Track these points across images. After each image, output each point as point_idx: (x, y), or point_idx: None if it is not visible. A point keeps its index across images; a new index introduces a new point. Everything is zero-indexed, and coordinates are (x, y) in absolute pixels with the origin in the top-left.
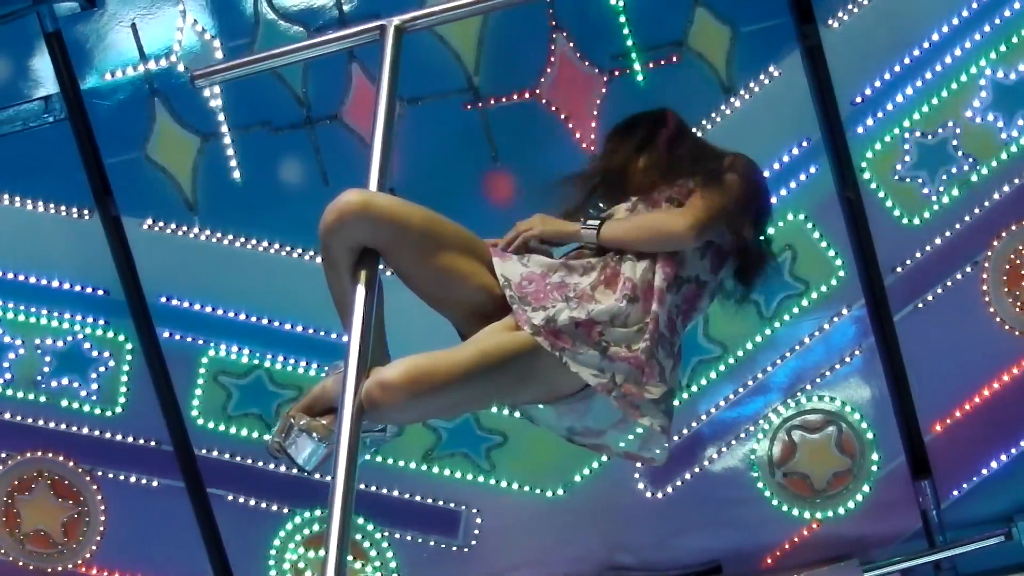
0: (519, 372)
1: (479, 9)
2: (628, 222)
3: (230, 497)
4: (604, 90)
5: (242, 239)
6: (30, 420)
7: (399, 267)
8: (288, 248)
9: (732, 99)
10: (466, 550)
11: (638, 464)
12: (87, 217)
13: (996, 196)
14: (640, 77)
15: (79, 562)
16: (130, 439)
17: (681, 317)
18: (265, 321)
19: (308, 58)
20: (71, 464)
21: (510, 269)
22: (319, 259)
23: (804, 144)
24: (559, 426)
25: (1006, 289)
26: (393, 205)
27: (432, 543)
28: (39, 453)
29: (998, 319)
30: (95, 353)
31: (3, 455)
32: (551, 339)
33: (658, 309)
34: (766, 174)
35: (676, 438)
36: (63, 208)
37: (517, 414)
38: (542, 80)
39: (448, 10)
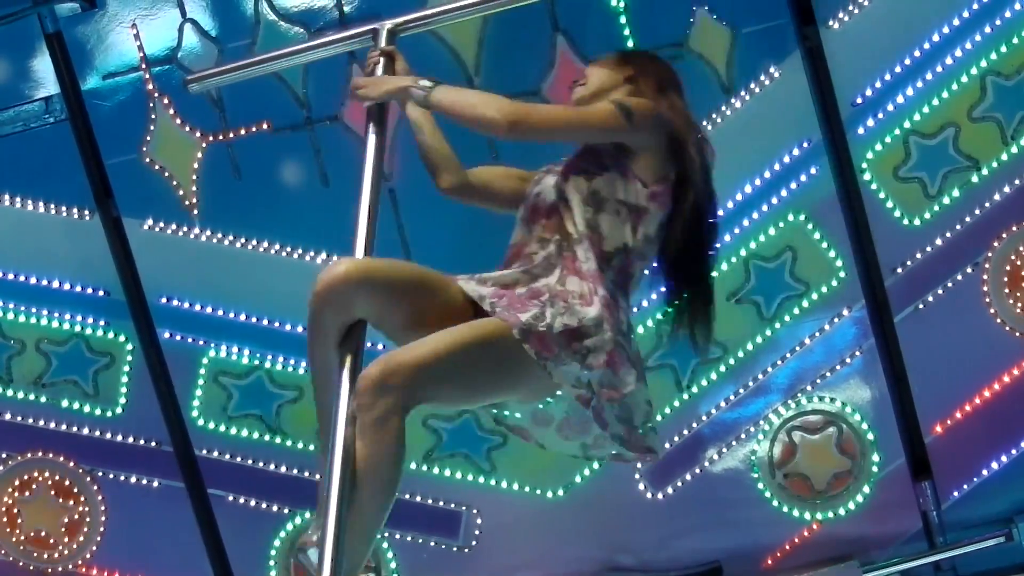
0: (499, 355)
1: (471, 12)
2: (460, 92)
3: (230, 498)
4: None
5: (242, 240)
6: (31, 420)
7: (388, 328)
8: (288, 249)
9: (732, 100)
10: (466, 551)
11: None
12: (88, 218)
13: (997, 197)
14: None
15: (79, 563)
16: (130, 440)
17: (621, 291)
18: (265, 322)
19: (301, 62)
20: (71, 464)
21: (480, 290)
22: (310, 325)
23: (805, 145)
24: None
25: (1007, 290)
26: (384, 270)
27: (432, 544)
28: (39, 454)
29: (999, 320)
30: (96, 353)
31: (3, 456)
32: (537, 346)
33: (604, 292)
34: (767, 175)
35: (676, 439)
36: (63, 209)
37: (518, 414)
38: (543, 81)
39: (440, 13)
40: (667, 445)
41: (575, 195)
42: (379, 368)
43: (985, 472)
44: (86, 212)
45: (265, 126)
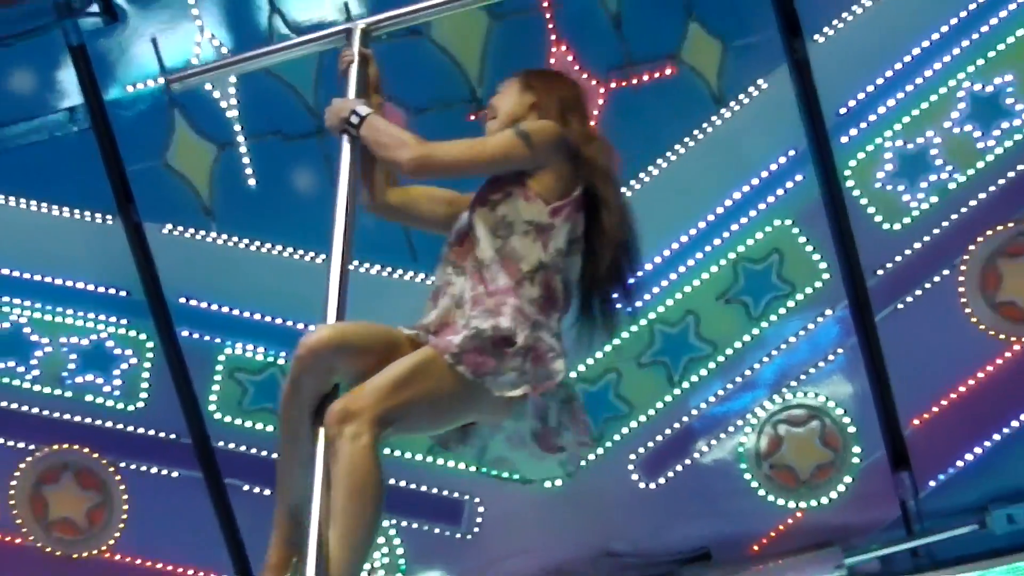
0: (443, 376)
1: (443, 9)
2: (379, 131)
3: (246, 487)
4: (602, 100)
5: (257, 243)
6: (56, 415)
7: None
8: (300, 252)
9: (723, 110)
10: (469, 537)
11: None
12: (110, 222)
13: (973, 203)
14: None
15: (103, 548)
16: (151, 432)
17: (549, 306)
18: (279, 321)
19: (277, 61)
20: (95, 456)
21: (417, 328)
22: (288, 386)
23: (791, 153)
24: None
25: (982, 291)
26: (359, 334)
27: (436, 531)
28: (64, 446)
29: (974, 320)
30: (118, 351)
31: (31, 448)
32: (472, 366)
33: (515, 302)
34: (755, 182)
35: (668, 432)
36: (87, 214)
37: None
38: None
39: (411, 12)
40: (659, 438)
41: (483, 226)
42: (342, 402)
43: (960, 463)
44: (108, 217)
45: (278, 135)
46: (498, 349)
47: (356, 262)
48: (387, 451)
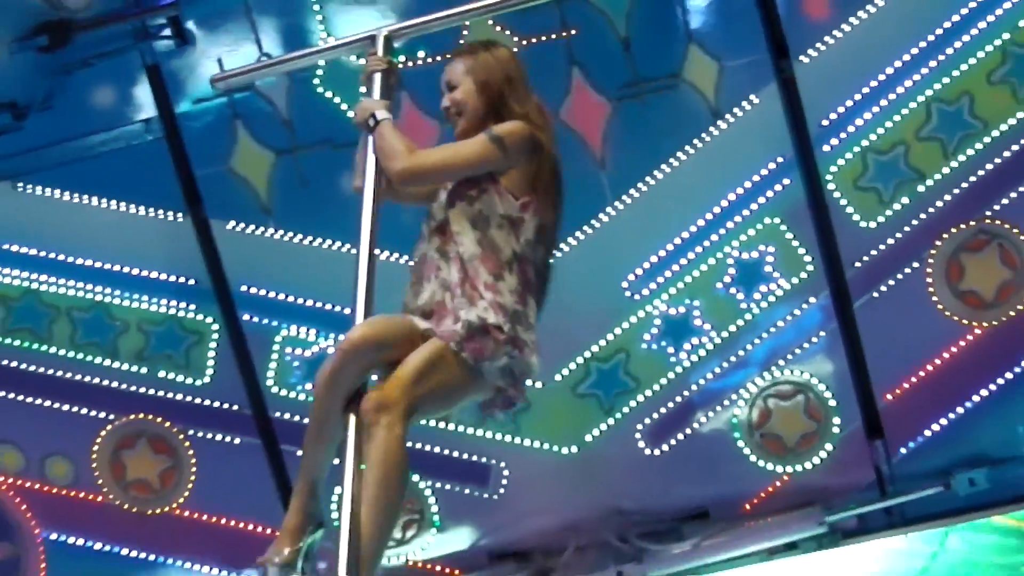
0: (455, 364)
1: (464, 18)
2: (385, 139)
3: (299, 452)
4: (612, 114)
5: (309, 238)
6: (133, 388)
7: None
8: (348, 246)
9: (719, 122)
10: (495, 498)
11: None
12: (180, 220)
13: (939, 204)
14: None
15: (173, 506)
16: (216, 404)
17: (528, 293)
18: (328, 307)
19: (308, 64)
20: (167, 425)
21: (424, 323)
22: (330, 375)
23: (779, 160)
24: None
25: (947, 282)
26: (390, 330)
27: (467, 491)
28: (140, 416)
29: (940, 307)
30: (187, 333)
31: (111, 417)
32: (474, 352)
33: (491, 298)
34: (747, 185)
35: (671, 405)
36: (160, 212)
37: (539, 384)
38: (561, 107)
39: (433, 21)
40: (663, 410)
41: (463, 220)
42: (377, 393)
43: (928, 433)
44: (179, 215)
45: (328, 143)
46: (490, 336)
47: (387, 253)
48: (422, 421)
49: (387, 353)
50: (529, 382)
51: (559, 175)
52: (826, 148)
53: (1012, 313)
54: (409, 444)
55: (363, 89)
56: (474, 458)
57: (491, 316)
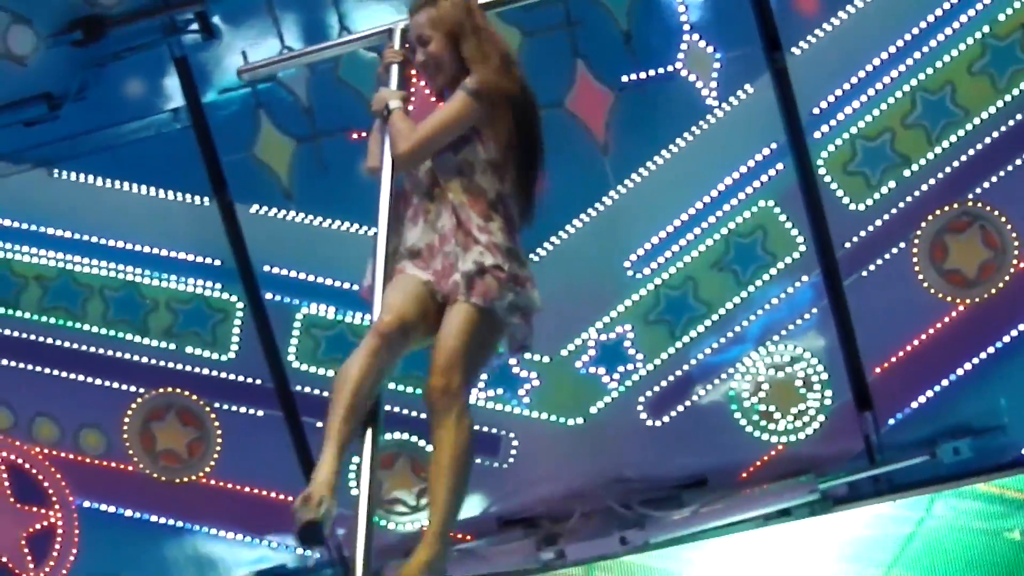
0: (483, 319)
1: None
2: (395, 124)
3: (320, 424)
4: (614, 104)
5: (329, 221)
6: (162, 363)
7: (421, 338)
8: (365, 228)
9: (716, 111)
10: (504, 467)
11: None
12: (207, 203)
13: (924, 187)
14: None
15: (200, 475)
16: (240, 378)
17: (515, 229)
18: (347, 286)
19: (328, 56)
20: (194, 398)
21: (424, 275)
22: (368, 355)
23: (773, 146)
24: None
25: (932, 261)
26: (411, 305)
27: (477, 461)
28: (169, 389)
29: (926, 285)
30: (213, 310)
31: (141, 391)
32: (482, 295)
33: (487, 240)
34: (743, 170)
35: (671, 378)
36: (187, 197)
37: (547, 358)
38: (565, 97)
39: None
40: (664, 383)
41: (449, 170)
42: (439, 381)
43: (915, 405)
44: (205, 199)
45: (346, 131)
46: (491, 275)
47: None
48: None
49: (417, 329)
50: (543, 357)
51: (533, 107)
52: (817, 135)
53: (994, 291)
54: (422, 415)
55: (380, 79)
56: (484, 429)
57: (488, 258)
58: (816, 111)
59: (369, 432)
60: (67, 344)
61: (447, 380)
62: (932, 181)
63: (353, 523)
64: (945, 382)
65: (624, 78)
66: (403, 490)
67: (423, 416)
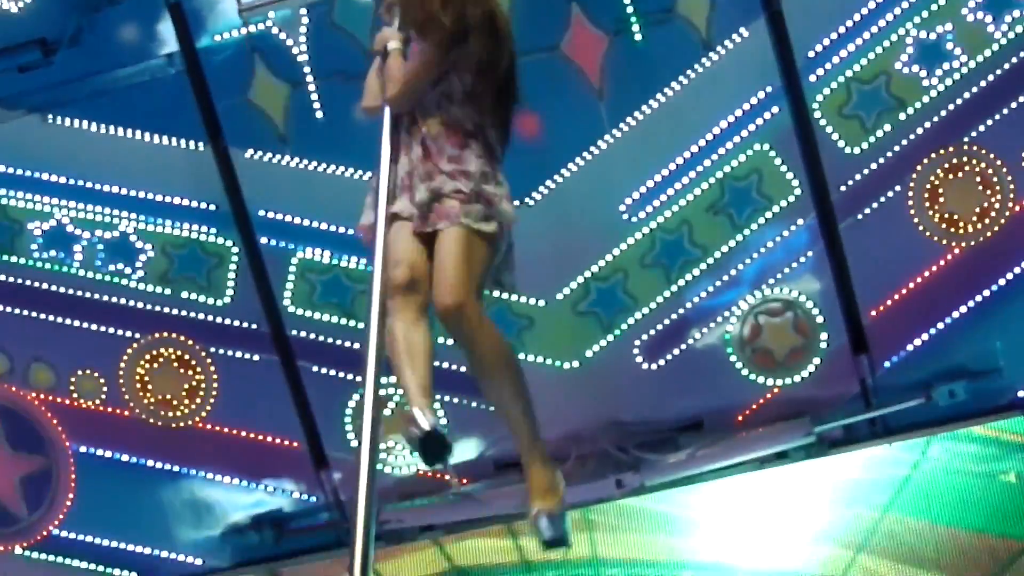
0: (473, 237)
1: None
2: (391, 67)
3: (315, 368)
4: (609, 47)
5: (324, 165)
6: (158, 308)
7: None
8: (360, 172)
9: (711, 54)
10: None
11: None
12: (202, 148)
13: (919, 131)
14: (638, 37)
15: (196, 420)
16: (236, 323)
17: (493, 155)
18: (342, 230)
19: None
20: (190, 343)
21: (411, 209)
22: (398, 305)
23: (768, 89)
24: None
25: (926, 204)
26: (414, 260)
27: (474, 404)
28: (165, 334)
29: (921, 228)
30: (208, 255)
31: (137, 336)
32: (441, 217)
33: (454, 168)
34: (738, 113)
35: (667, 321)
36: (183, 141)
37: (542, 302)
38: (561, 40)
39: None
40: (659, 327)
41: (429, 105)
42: (446, 299)
43: (910, 347)
44: (200, 144)
45: (341, 75)
46: (449, 199)
47: None
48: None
49: (427, 271)
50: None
51: (502, 30)
52: (812, 78)
53: (989, 234)
54: None
55: (383, 19)
56: None
57: (447, 185)
58: (811, 54)
59: (371, 371)
60: (62, 289)
61: (454, 296)
62: (927, 124)
63: (351, 467)
64: (941, 325)
65: (619, 22)
66: (399, 435)
67: None
